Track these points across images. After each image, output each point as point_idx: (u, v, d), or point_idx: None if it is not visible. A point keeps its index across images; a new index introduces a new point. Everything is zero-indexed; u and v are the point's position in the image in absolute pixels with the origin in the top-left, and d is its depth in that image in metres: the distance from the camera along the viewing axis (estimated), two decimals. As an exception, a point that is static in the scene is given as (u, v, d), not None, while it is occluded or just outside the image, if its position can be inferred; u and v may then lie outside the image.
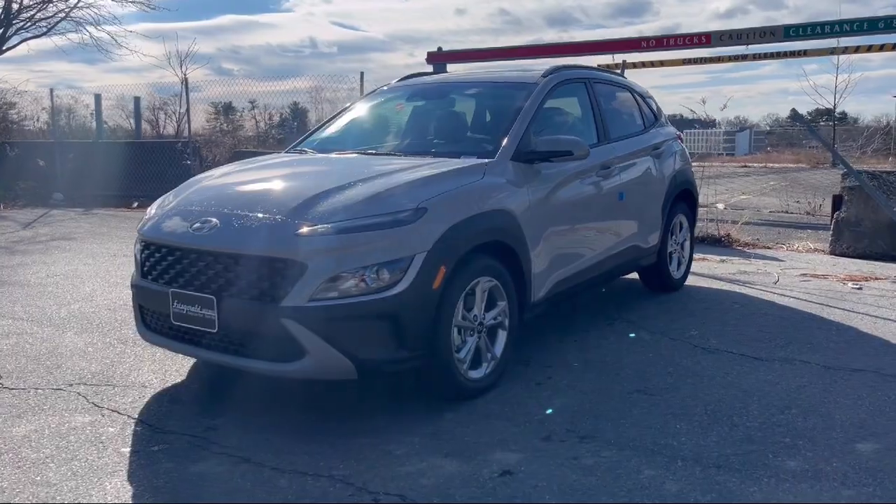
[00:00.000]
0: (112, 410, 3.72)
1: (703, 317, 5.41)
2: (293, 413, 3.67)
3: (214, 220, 3.55)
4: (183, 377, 4.20)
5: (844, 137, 36.87)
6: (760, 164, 27.06)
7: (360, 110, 5.27)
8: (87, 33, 20.29)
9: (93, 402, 3.82)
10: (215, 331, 3.45)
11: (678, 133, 6.37)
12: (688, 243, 6.34)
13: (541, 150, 4.17)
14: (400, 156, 4.35)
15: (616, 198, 5.04)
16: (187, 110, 12.70)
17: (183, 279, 3.57)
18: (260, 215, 3.49)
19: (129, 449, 3.29)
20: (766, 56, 14.67)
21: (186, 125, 13.27)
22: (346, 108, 5.31)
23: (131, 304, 4.09)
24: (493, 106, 4.76)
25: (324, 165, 4.41)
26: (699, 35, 14.54)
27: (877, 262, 7.70)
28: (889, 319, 5.33)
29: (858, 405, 3.68)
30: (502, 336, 3.93)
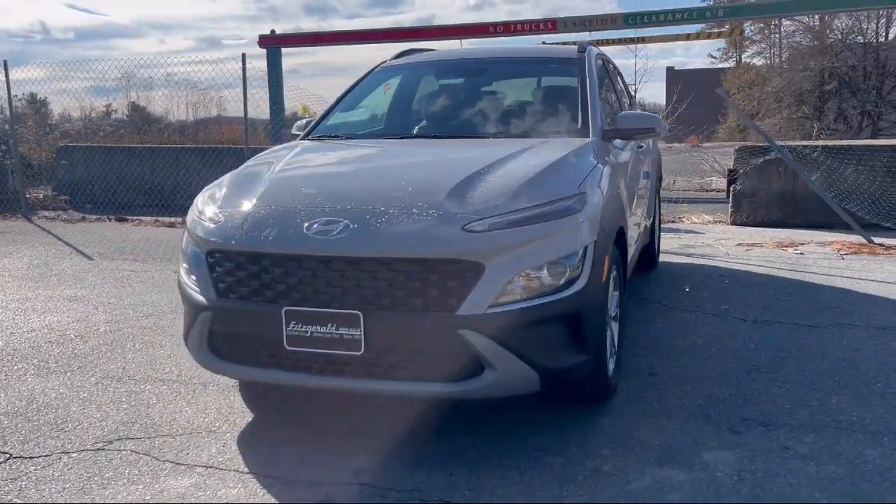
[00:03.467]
0: (206, 467, 2.93)
1: (712, 291, 5.50)
2: (433, 438, 3.12)
3: (343, 219, 2.90)
4: (249, 414, 3.45)
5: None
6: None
7: (370, 91, 4.66)
8: None
9: (169, 460, 2.99)
10: (360, 353, 2.82)
11: (643, 112, 6.44)
12: (658, 221, 6.43)
13: (625, 127, 3.93)
14: (480, 138, 3.88)
15: (645, 177, 4.94)
16: (9, 100, 10.72)
17: (301, 294, 2.89)
18: (403, 211, 2.90)
19: (286, 513, 2.60)
20: (609, 42, 15.48)
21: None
22: (350, 90, 4.64)
23: (195, 330, 3.22)
24: (551, 82, 4.43)
25: (412, 151, 3.83)
26: (545, 21, 15.01)
27: (780, 229, 8.38)
28: (858, 279, 5.77)
29: (947, 361, 3.90)
30: (615, 328, 3.66)
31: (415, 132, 4.17)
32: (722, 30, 18.39)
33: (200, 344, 3.18)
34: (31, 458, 3.06)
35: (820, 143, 8.67)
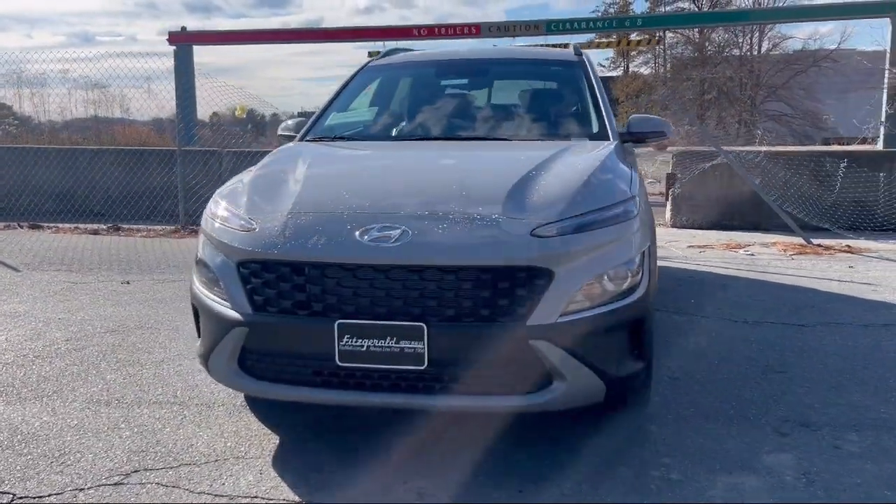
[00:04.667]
0: (250, 497, 2.68)
1: (688, 293, 5.60)
2: (483, 454, 2.96)
3: (399, 226, 2.71)
4: (273, 436, 3.18)
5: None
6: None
7: (361, 91, 4.45)
8: None
9: (205, 492, 2.71)
10: (423, 367, 2.65)
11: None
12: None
13: (638, 131, 3.92)
14: (501, 140, 3.77)
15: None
16: None
17: (356, 306, 2.68)
18: (464, 216, 2.75)
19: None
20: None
21: None
22: (342, 91, 4.40)
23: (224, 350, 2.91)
24: (559, 85, 4.34)
25: (440, 153, 3.67)
26: (469, 25, 15.06)
27: (719, 231, 8.69)
28: (818, 278, 6.04)
29: (937, 355, 4.10)
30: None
31: (431, 134, 4.00)
32: (611, 39, 18.93)
33: (230, 363, 2.89)
34: (39, 497, 2.71)
35: (763, 148, 9.07)
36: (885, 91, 14.51)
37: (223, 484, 2.78)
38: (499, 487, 2.71)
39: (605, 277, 2.76)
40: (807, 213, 8.39)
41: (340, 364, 2.70)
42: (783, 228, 8.06)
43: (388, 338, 2.64)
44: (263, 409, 3.42)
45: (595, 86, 4.10)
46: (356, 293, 2.68)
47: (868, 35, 62.43)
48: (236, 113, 10.10)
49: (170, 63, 14.30)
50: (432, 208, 2.80)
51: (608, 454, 2.96)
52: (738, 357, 4.10)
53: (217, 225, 3.03)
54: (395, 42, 15.45)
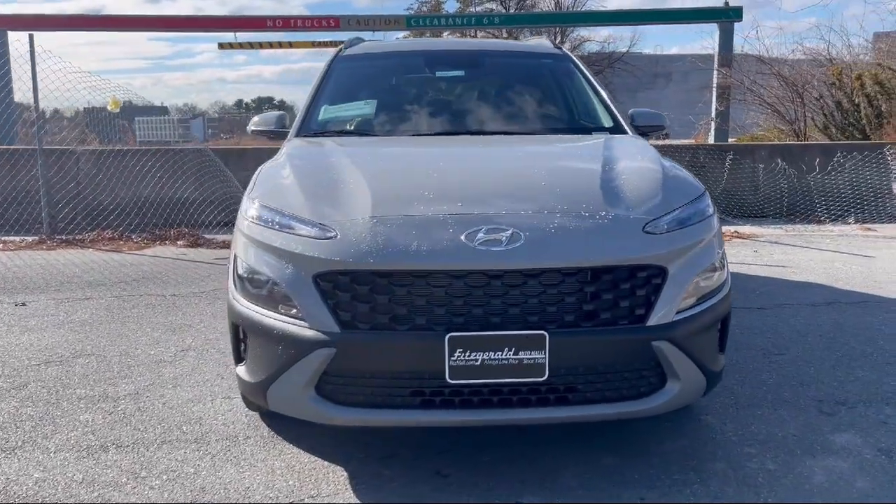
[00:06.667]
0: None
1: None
2: (574, 462, 2.83)
3: (508, 227, 2.50)
4: (337, 468, 2.83)
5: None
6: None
7: (345, 84, 4.10)
8: None
9: (305, 542, 2.36)
10: (543, 378, 2.47)
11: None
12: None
13: (642, 124, 3.95)
14: (529, 135, 3.63)
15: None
16: None
17: (466, 317, 2.45)
18: (571, 214, 2.59)
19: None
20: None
21: None
22: (323, 84, 4.01)
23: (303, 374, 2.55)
24: (559, 79, 4.22)
25: (486, 149, 3.48)
26: (328, 18, 14.55)
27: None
28: (743, 263, 6.46)
29: None
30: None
31: (454, 129, 3.75)
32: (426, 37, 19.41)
33: (305, 390, 2.54)
34: (100, 574, 2.22)
35: (651, 142, 9.53)
36: (715, 90, 15.97)
37: (320, 529, 2.43)
38: (618, 497, 2.60)
39: (704, 272, 2.74)
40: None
41: (450, 381, 2.45)
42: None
43: (506, 349, 2.44)
44: (305, 439, 3.05)
45: (593, 79, 4.08)
46: (467, 302, 2.45)
47: (651, 40, 68.51)
48: (109, 107, 9.07)
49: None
50: (535, 207, 2.62)
51: (691, 450, 2.94)
52: (730, 341, 4.24)
53: (273, 233, 2.64)
54: (247, 32, 14.71)
